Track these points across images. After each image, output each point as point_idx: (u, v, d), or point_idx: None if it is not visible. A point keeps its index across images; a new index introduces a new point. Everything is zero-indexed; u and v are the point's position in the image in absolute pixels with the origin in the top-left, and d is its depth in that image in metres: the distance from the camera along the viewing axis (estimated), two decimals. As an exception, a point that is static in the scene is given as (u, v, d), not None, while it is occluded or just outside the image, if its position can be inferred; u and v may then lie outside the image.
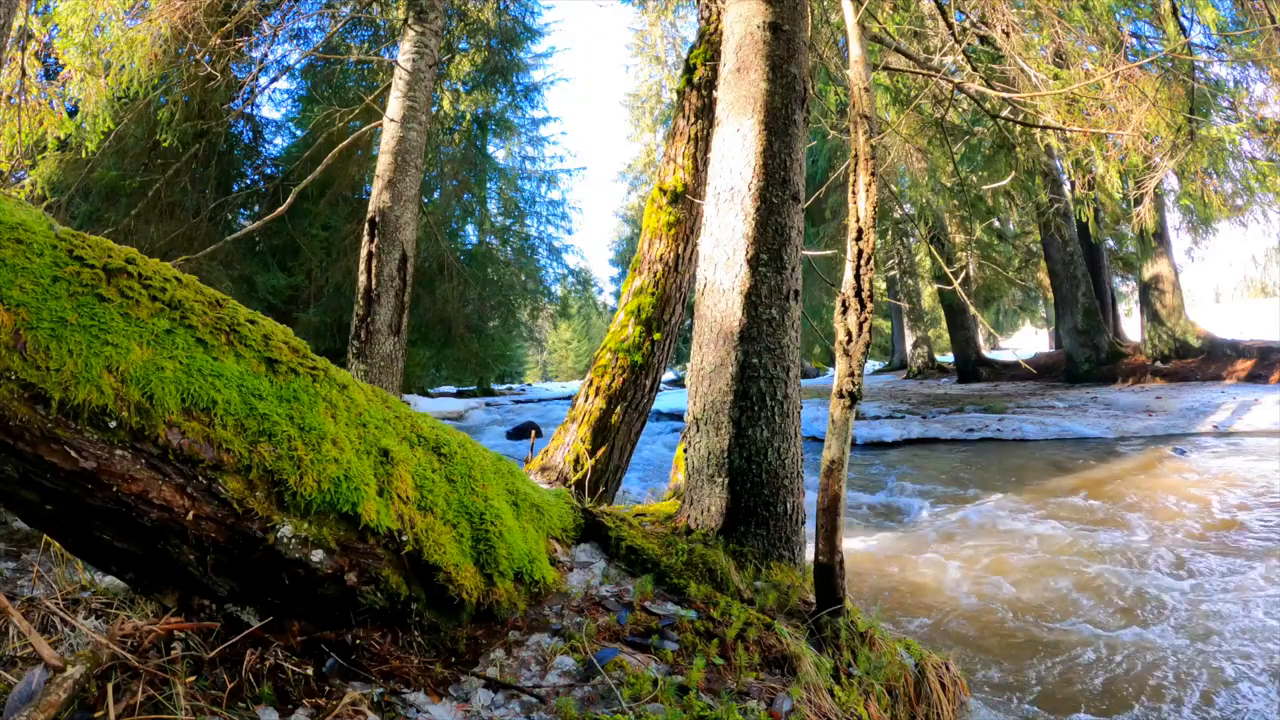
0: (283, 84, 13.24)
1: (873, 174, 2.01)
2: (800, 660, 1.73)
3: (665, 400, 13.07)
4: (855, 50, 2.19)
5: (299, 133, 12.53)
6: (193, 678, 1.25)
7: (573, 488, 3.46)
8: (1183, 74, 5.14)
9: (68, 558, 1.90)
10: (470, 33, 13.75)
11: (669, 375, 19.85)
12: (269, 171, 12.54)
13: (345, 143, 5.88)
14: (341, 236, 12.02)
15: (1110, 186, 5.33)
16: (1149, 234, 12.09)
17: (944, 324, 20.09)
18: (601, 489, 3.65)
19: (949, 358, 21.14)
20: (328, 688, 1.34)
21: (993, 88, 4.55)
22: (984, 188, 9.78)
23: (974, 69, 4.92)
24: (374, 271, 4.68)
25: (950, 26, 4.83)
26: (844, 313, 1.97)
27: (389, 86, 5.27)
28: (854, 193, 2.03)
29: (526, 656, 1.56)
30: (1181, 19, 5.53)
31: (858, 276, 1.96)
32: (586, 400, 3.75)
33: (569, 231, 61.64)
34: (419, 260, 12.34)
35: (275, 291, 11.80)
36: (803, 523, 2.47)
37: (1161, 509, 4.96)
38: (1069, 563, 3.89)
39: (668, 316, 3.83)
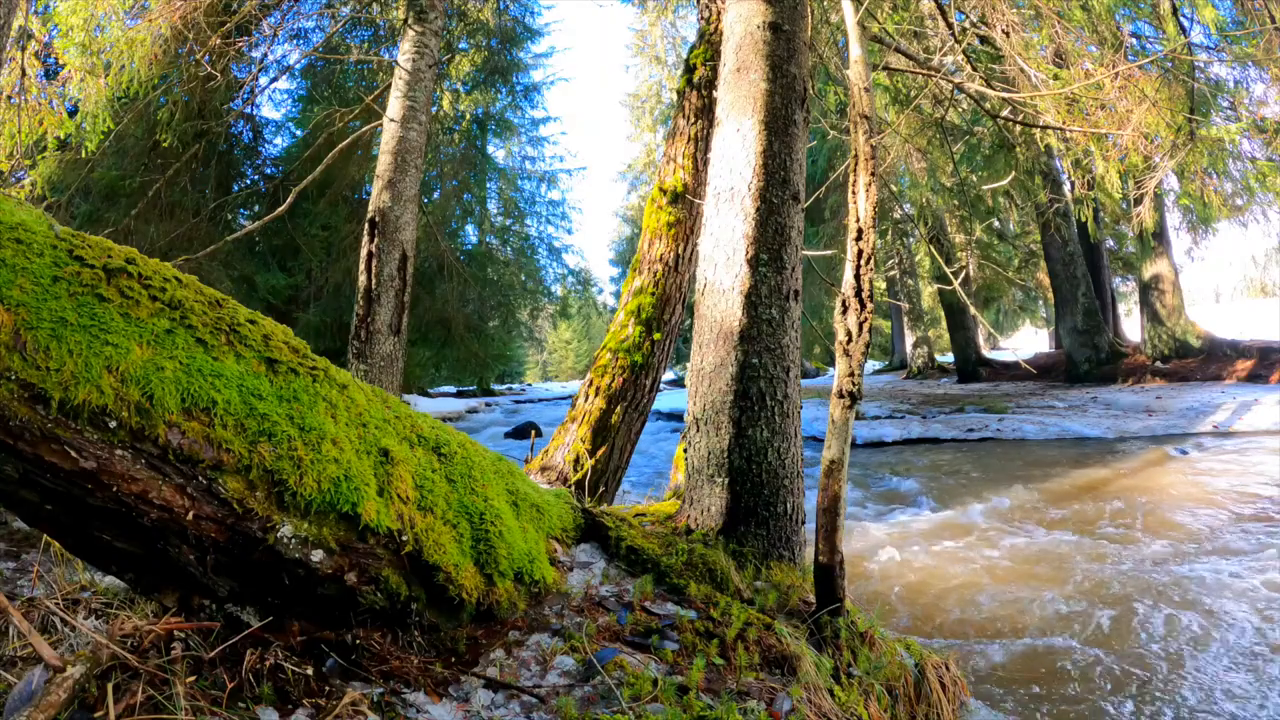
0: (283, 84, 13.24)
1: (873, 174, 2.01)
2: (800, 660, 1.73)
3: (665, 400, 13.07)
4: (855, 50, 2.19)
5: (299, 133, 12.52)
6: (193, 678, 1.25)
7: (573, 488, 3.46)
8: (1183, 74, 5.14)
9: (68, 558, 1.90)
10: (470, 33, 13.75)
11: (669, 375, 19.86)
12: (269, 171, 12.53)
13: (345, 143, 5.88)
14: (341, 236, 12.02)
15: (1110, 186, 5.33)
16: (1148, 234, 12.11)
17: (944, 324, 20.10)
18: (601, 489, 3.65)
19: (949, 358, 21.15)
20: (328, 688, 1.34)
21: (993, 88, 4.55)
22: (984, 188, 9.79)
23: (974, 69, 4.92)
24: (374, 271, 4.68)
25: (950, 26, 4.83)
26: (844, 313, 1.97)
27: (389, 86, 5.26)
28: (854, 193, 2.03)
29: (526, 656, 1.56)
30: (1181, 19, 5.53)
31: (858, 276, 1.96)
32: (586, 400, 3.75)
33: (569, 231, 61.77)
34: (419, 260, 12.34)
35: (275, 291, 11.80)
36: (803, 523, 2.47)
37: (1162, 509, 4.96)
38: (1068, 562, 3.89)
39: (668, 316, 3.83)
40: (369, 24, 10.11)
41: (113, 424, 1.12)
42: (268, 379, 1.35)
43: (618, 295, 6.04)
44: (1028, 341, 30.53)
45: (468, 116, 15.93)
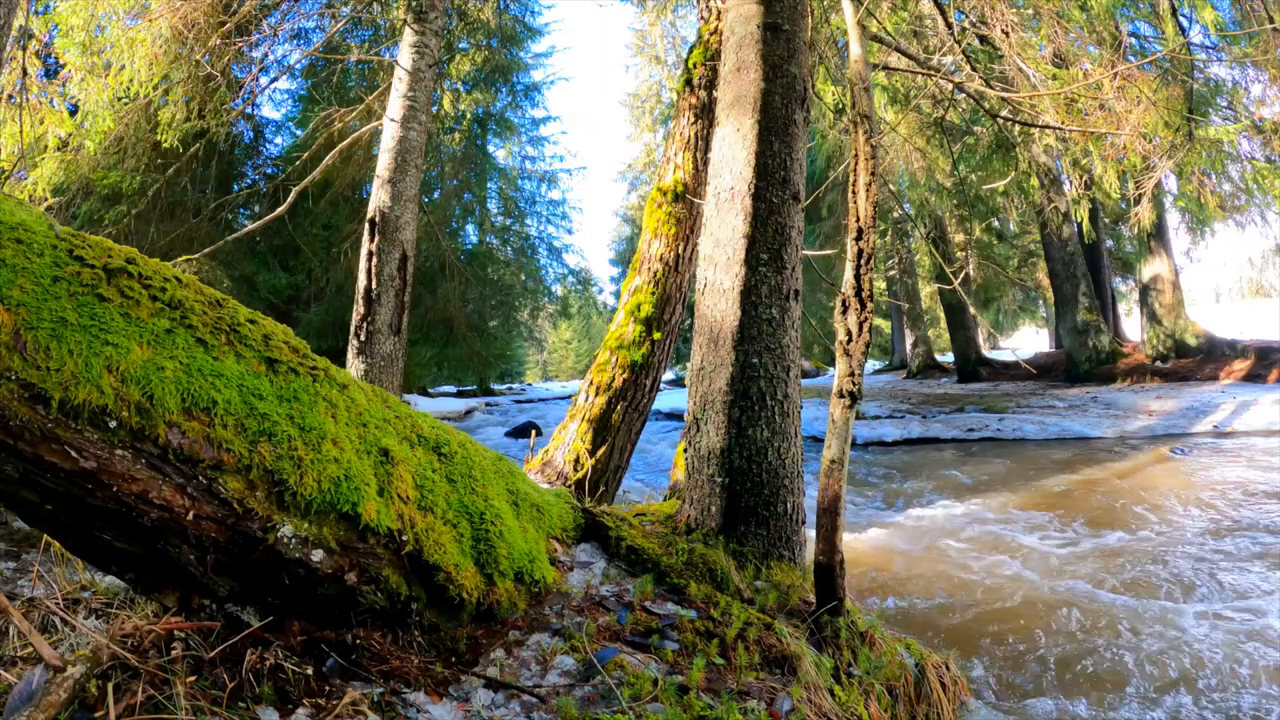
0: (283, 84, 13.23)
1: (873, 174, 2.01)
2: (800, 660, 1.73)
3: (665, 400, 13.06)
4: (855, 50, 2.19)
5: (299, 133, 12.53)
6: (193, 677, 1.25)
7: (573, 487, 3.46)
8: (1181, 74, 5.15)
9: (68, 558, 1.90)
10: (470, 32, 13.75)
11: (669, 375, 19.88)
12: (269, 171, 12.54)
13: (345, 143, 5.88)
14: (342, 236, 12.03)
15: (1108, 186, 5.34)
16: (1144, 234, 12.12)
17: (944, 324, 20.11)
18: (601, 489, 3.65)
19: (949, 357, 21.16)
20: (328, 687, 1.34)
21: (992, 87, 4.55)
22: (983, 188, 9.79)
23: (973, 69, 4.92)
24: (374, 271, 4.68)
25: (949, 26, 4.84)
26: (844, 313, 1.97)
27: (389, 86, 5.27)
28: (854, 192, 2.03)
29: (527, 656, 1.56)
30: (1181, 19, 5.54)
31: (858, 276, 1.96)
32: (587, 399, 3.75)
33: (569, 231, 61.88)
34: (419, 260, 12.34)
35: (276, 291, 11.80)
36: (803, 522, 2.47)
37: (1162, 508, 4.96)
38: (1067, 562, 3.89)
39: (668, 316, 3.83)
40: (369, 24, 10.10)
41: (113, 424, 1.12)
42: (268, 379, 1.36)
43: (618, 295, 6.05)
44: (1028, 341, 30.50)
45: (468, 116, 15.94)
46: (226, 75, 5.41)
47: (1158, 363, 13.25)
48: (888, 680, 1.91)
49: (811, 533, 2.12)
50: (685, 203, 3.85)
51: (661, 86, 28.47)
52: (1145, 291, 13.96)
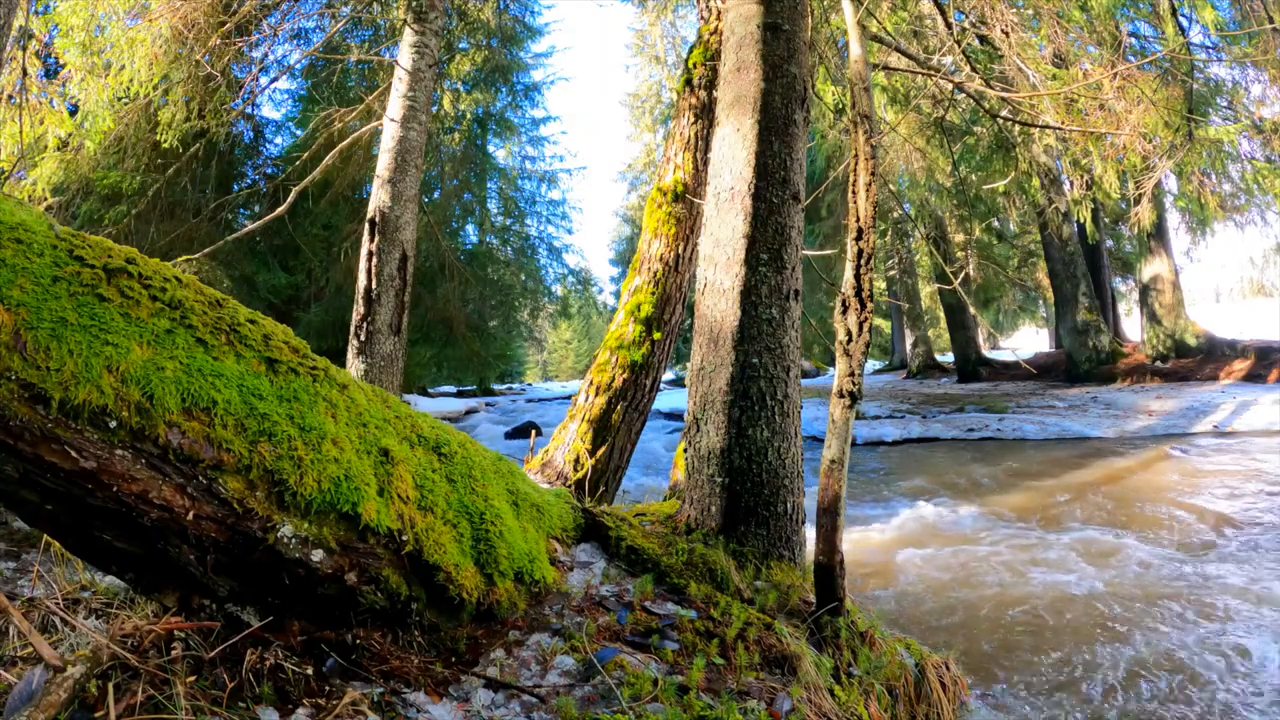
0: (283, 84, 13.23)
1: (873, 174, 2.01)
2: (800, 660, 1.73)
3: (665, 400, 13.06)
4: (855, 50, 2.19)
5: (299, 133, 12.54)
6: (193, 677, 1.25)
7: (573, 487, 3.46)
8: (1181, 74, 5.15)
9: (68, 558, 1.90)
10: (470, 32, 13.75)
11: (669, 375, 19.89)
12: (269, 171, 12.55)
13: (345, 143, 5.88)
14: (342, 236, 12.03)
15: (1108, 186, 5.34)
16: (1145, 234, 12.13)
17: (944, 324, 20.12)
18: (601, 488, 3.65)
19: (949, 357, 21.15)
20: (328, 687, 1.34)
21: (992, 87, 4.55)
22: (983, 188, 9.79)
23: (973, 69, 4.92)
24: (374, 271, 4.68)
25: (949, 26, 4.84)
26: (844, 312, 1.97)
27: (389, 86, 5.27)
28: (854, 192, 2.03)
29: (527, 656, 1.56)
30: (1181, 19, 5.54)
31: (858, 276, 1.96)
32: (587, 399, 3.75)
33: (569, 231, 61.90)
34: (419, 260, 12.34)
35: (276, 291, 11.80)
36: (803, 522, 2.48)
37: (1161, 508, 4.96)
38: (1067, 562, 3.89)
39: (668, 316, 3.83)
40: (369, 24, 10.09)
41: (113, 424, 1.12)
42: (268, 379, 1.36)
43: (618, 295, 6.05)
44: (1028, 341, 30.49)
45: (468, 116, 15.94)
46: (226, 75, 5.41)
47: (1158, 363, 13.25)
48: (888, 680, 1.92)
49: (811, 532, 2.12)
50: (685, 203, 3.85)
51: (661, 86, 28.46)
52: (1145, 291, 13.97)
